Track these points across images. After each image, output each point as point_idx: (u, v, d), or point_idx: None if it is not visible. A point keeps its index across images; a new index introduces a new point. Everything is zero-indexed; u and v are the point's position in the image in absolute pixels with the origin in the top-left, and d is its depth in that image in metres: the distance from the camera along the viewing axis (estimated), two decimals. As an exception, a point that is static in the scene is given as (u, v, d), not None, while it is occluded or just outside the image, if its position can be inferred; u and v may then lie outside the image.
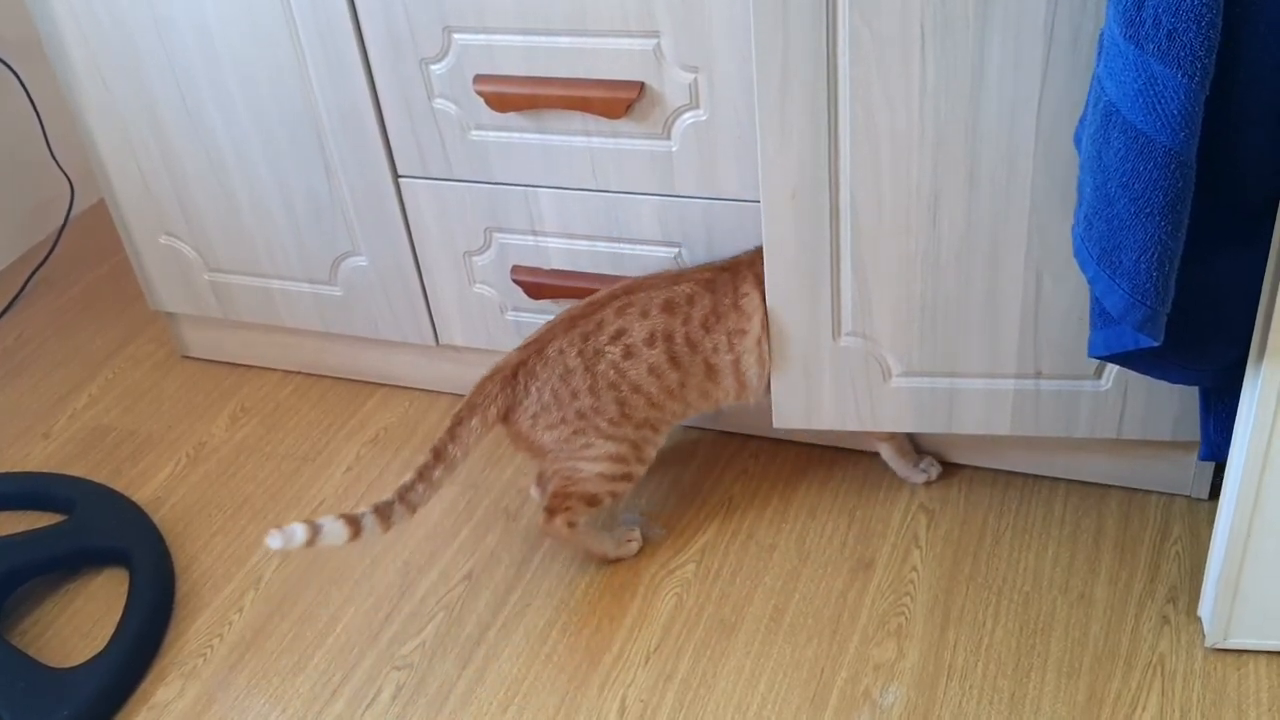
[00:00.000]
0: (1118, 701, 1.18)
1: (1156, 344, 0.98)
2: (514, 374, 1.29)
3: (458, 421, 1.27)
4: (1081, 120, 1.05)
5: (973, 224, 1.17)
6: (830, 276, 1.24)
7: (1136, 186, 0.92)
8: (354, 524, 1.22)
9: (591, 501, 1.33)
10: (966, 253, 1.19)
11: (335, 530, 1.21)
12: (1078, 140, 1.06)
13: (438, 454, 1.26)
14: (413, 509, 1.25)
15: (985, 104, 1.10)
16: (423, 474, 1.25)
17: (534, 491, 1.47)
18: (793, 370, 1.32)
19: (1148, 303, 0.95)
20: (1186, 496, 1.38)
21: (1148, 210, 0.92)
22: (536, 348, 1.29)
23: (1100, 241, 0.97)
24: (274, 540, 1.19)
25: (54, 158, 2.10)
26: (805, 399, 1.34)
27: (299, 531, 1.19)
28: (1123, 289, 0.96)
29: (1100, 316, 1.05)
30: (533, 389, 1.28)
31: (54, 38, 1.51)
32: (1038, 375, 1.26)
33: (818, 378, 1.32)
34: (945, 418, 1.32)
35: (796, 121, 1.15)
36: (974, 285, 1.21)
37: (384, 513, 1.23)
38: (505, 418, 1.29)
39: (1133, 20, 0.88)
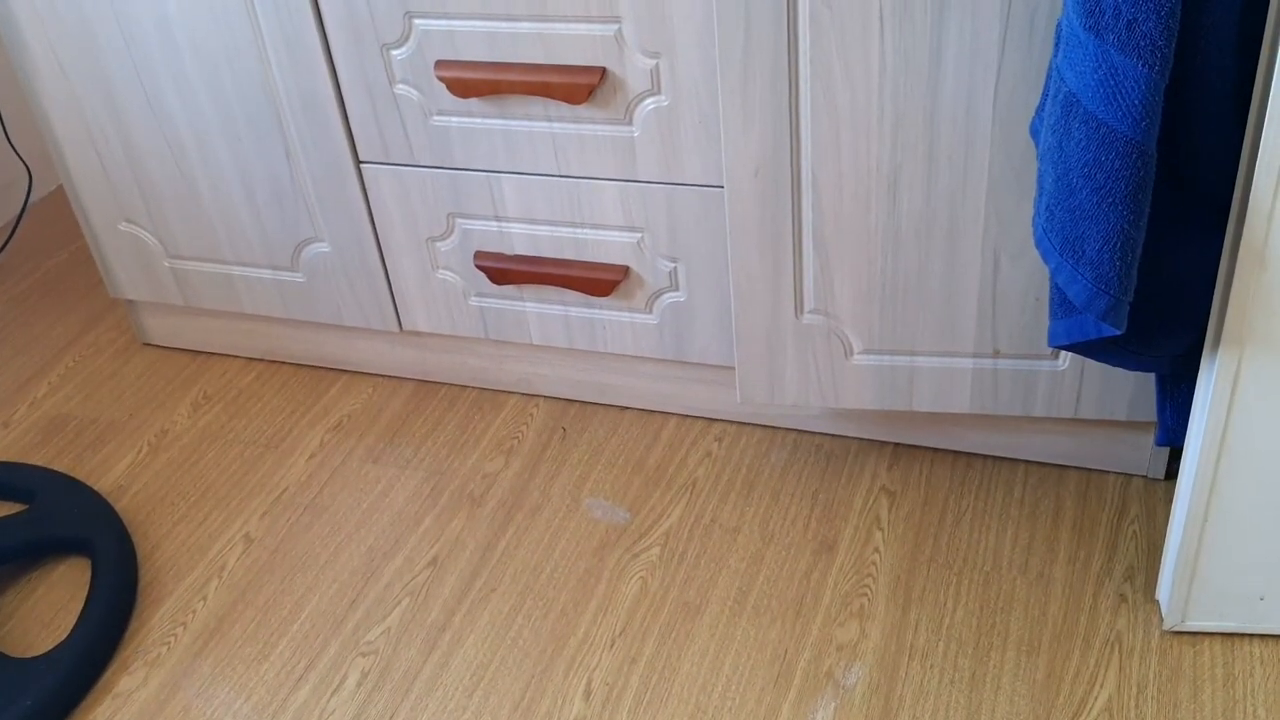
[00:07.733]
0: (1076, 678, 1.19)
1: (1119, 333, 0.99)
2: None
3: None
4: (1038, 112, 1.06)
5: (931, 203, 1.18)
6: (792, 254, 1.25)
7: (1099, 177, 0.93)
8: None
9: None
10: (925, 231, 1.20)
11: None
12: (1034, 132, 1.07)
13: None
14: None
15: (943, 85, 1.11)
16: None
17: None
18: (756, 347, 1.33)
19: (1111, 292, 0.96)
20: (1143, 476, 1.40)
21: (1110, 200, 0.93)
22: None
23: (1063, 231, 0.98)
24: None
25: (11, 144, 2.07)
26: (768, 376, 1.35)
27: None
28: (1086, 279, 0.97)
29: (1061, 306, 1.06)
30: None
31: (8, 22, 1.49)
32: (995, 355, 1.27)
33: (781, 355, 1.33)
34: (906, 395, 1.33)
35: (759, 100, 1.16)
36: (933, 264, 1.22)
37: None
38: None
39: (1092, 10, 0.89)
